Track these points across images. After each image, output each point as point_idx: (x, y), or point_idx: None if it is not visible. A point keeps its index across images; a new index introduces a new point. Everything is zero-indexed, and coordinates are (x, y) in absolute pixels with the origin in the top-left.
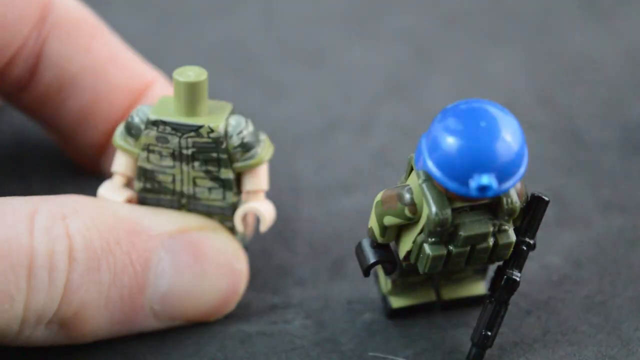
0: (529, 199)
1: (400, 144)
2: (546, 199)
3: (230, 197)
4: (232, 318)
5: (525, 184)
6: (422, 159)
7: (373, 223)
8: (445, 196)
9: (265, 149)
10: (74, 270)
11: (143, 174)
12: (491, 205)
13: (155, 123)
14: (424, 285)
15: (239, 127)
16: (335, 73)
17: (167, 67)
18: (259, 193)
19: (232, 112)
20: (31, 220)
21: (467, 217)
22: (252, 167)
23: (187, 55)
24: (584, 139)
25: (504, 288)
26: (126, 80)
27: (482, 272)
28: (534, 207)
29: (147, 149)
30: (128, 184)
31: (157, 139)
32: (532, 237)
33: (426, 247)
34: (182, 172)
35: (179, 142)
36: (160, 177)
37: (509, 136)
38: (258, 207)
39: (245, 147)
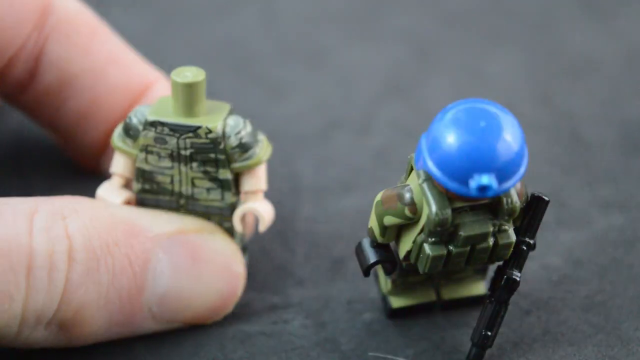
0: (529, 199)
1: (400, 144)
2: (546, 199)
3: (229, 197)
4: (232, 318)
5: (525, 184)
6: (422, 159)
7: (373, 223)
8: (445, 196)
9: (263, 149)
10: (73, 270)
11: (141, 174)
12: (491, 205)
13: (153, 124)
14: (424, 285)
15: (237, 128)
16: (335, 73)
17: (166, 67)
18: (258, 193)
19: (231, 113)
20: (30, 220)
21: (467, 217)
22: (250, 168)
23: (187, 55)
24: (583, 139)
25: (504, 288)
26: (126, 80)
27: (482, 272)
28: (534, 207)
29: (146, 149)
30: (127, 185)
31: (155, 139)
32: (532, 237)
33: (426, 247)
34: (180, 172)
35: (177, 143)
36: (159, 178)
37: (509, 136)
38: (257, 208)
39: (244, 148)
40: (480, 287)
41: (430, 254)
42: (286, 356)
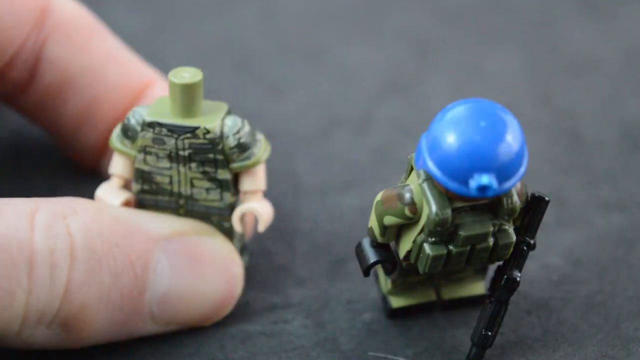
0: (529, 198)
1: (400, 143)
2: (546, 198)
3: (228, 197)
4: (232, 318)
5: (525, 184)
6: (422, 159)
7: (373, 223)
8: (445, 196)
9: (262, 149)
10: (75, 269)
11: (140, 175)
12: (491, 205)
13: (151, 125)
14: (424, 285)
15: (235, 128)
16: (335, 71)
17: (166, 66)
18: (257, 193)
19: (229, 113)
20: (32, 218)
21: (467, 216)
22: (249, 168)
23: (186, 54)
24: (583, 138)
25: (504, 288)
26: (125, 80)
27: (482, 272)
28: (534, 207)
29: (144, 150)
30: (126, 186)
31: (154, 140)
32: (532, 237)
33: (426, 246)
34: (179, 173)
35: (176, 144)
36: (158, 179)
37: (509, 136)
38: (256, 207)
39: (242, 148)
40: (480, 287)
41: (430, 253)
42: (286, 356)
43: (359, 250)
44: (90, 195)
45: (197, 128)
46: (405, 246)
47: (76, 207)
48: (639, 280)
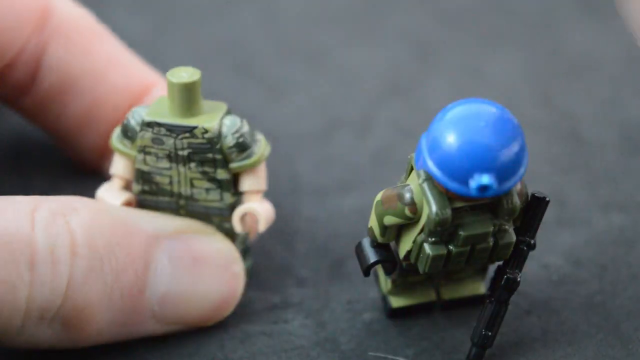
0: (529, 198)
1: (400, 143)
2: (546, 199)
3: (228, 197)
4: (232, 317)
5: (525, 184)
6: (422, 159)
7: (373, 223)
8: (445, 196)
9: (261, 149)
10: (76, 266)
11: (141, 176)
12: (491, 205)
13: (150, 124)
14: (424, 285)
15: (233, 127)
16: (335, 73)
17: (166, 68)
18: (257, 193)
19: (228, 112)
20: (32, 215)
21: (467, 216)
22: (248, 167)
23: (187, 55)
24: (583, 139)
25: (504, 288)
26: (126, 83)
27: (482, 272)
28: (534, 207)
29: (144, 150)
30: (127, 187)
31: (153, 140)
32: (532, 236)
33: (426, 246)
34: (179, 173)
35: (175, 144)
36: (158, 179)
37: (509, 136)
38: (255, 208)
39: (241, 147)
40: (480, 287)
41: (431, 253)
42: (286, 356)
43: (359, 250)
44: (90, 195)
45: (195, 127)
46: (405, 246)
47: (77, 205)
48: (639, 280)
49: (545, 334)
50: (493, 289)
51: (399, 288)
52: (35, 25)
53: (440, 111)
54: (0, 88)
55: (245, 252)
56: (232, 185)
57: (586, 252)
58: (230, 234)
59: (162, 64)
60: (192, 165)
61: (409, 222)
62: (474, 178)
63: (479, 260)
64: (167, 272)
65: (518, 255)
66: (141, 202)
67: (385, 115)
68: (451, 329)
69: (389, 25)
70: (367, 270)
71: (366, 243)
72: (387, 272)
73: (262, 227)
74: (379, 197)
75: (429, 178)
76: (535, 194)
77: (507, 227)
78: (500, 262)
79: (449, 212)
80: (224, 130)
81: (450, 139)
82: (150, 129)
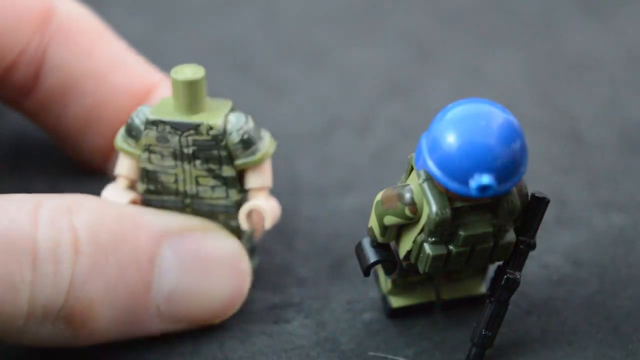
0: (529, 198)
1: (400, 143)
2: (546, 199)
3: (234, 195)
4: (232, 317)
5: (525, 183)
6: (422, 159)
7: (373, 223)
8: (445, 196)
9: (267, 146)
10: (79, 263)
11: (146, 175)
12: (491, 205)
13: (155, 123)
14: (424, 285)
15: (238, 124)
16: (336, 73)
17: (166, 67)
18: (263, 190)
19: (232, 109)
20: (35, 213)
21: (467, 216)
22: (254, 164)
23: (187, 55)
24: (583, 139)
25: (504, 288)
26: (130, 83)
27: (482, 272)
28: (534, 207)
29: (148, 149)
30: (132, 187)
31: (157, 139)
32: (532, 236)
33: (426, 246)
34: (184, 171)
35: (179, 141)
36: (163, 178)
37: (510, 136)
38: (261, 205)
39: (246, 144)
40: (480, 287)
41: (431, 253)
42: (286, 356)
43: (359, 250)
44: (91, 194)
45: (200, 124)
46: (405, 246)
47: (81, 202)
48: (639, 280)
49: (545, 334)
50: (493, 289)
51: (399, 288)
52: (37, 26)
53: (440, 111)
54: (2, 89)
55: (251, 250)
56: (238, 182)
57: (586, 252)
58: (237, 232)
59: (162, 64)
60: (197, 162)
61: (409, 222)
62: (474, 178)
63: (479, 260)
64: (173, 270)
65: (518, 255)
66: (146, 202)
67: (385, 115)
68: (451, 329)
69: (389, 25)
70: (367, 270)
71: (366, 243)
72: (387, 272)
73: (268, 224)
74: (379, 197)
75: (429, 178)
76: (536, 194)
77: (507, 227)
78: (500, 262)
79: (449, 212)
80: (229, 127)
81: (451, 139)
82: (154, 127)
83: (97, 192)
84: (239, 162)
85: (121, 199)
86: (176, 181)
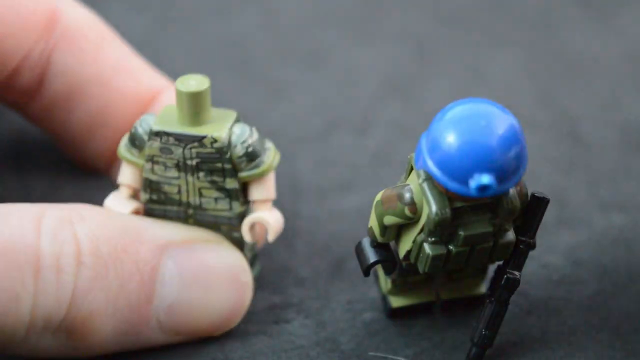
0: (529, 198)
1: (400, 144)
2: (546, 198)
3: (237, 207)
4: None
5: (525, 183)
6: (422, 159)
7: (373, 222)
8: (445, 196)
9: (271, 158)
10: (81, 274)
11: (148, 185)
12: (491, 205)
13: (158, 134)
14: (424, 285)
15: (243, 137)
16: (335, 73)
17: (166, 68)
18: (267, 202)
19: (237, 120)
20: (38, 223)
21: (467, 216)
22: (258, 177)
23: (187, 55)
24: (584, 139)
25: (504, 288)
26: (134, 89)
27: (482, 272)
28: (534, 207)
29: (152, 160)
30: (134, 196)
31: (161, 150)
32: (532, 236)
33: (426, 246)
34: (187, 182)
35: (183, 153)
36: (166, 188)
37: (509, 136)
38: (264, 217)
39: (250, 157)
40: (480, 287)
41: (430, 253)
42: (286, 356)
43: (359, 250)
44: (90, 194)
45: (204, 137)
46: (405, 246)
47: (83, 213)
48: (639, 280)
49: (545, 334)
50: (493, 289)
51: (398, 288)
52: (41, 30)
53: (440, 111)
54: (6, 93)
55: (253, 258)
56: (241, 194)
57: (586, 252)
58: (239, 243)
59: (162, 64)
60: (201, 174)
61: (408, 222)
62: (473, 178)
63: (479, 260)
64: (175, 282)
65: (518, 255)
66: (149, 211)
67: (385, 115)
68: (451, 329)
69: (389, 25)
70: (367, 270)
71: (366, 243)
72: (387, 272)
73: (271, 237)
74: (379, 197)
75: (429, 178)
76: (535, 194)
77: (507, 226)
78: (500, 262)
79: (448, 212)
80: (234, 139)
81: (450, 139)
82: (158, 139)
83: (97, 193)
84: (242, 174)
85: (124, 209)
86: (179, 192)
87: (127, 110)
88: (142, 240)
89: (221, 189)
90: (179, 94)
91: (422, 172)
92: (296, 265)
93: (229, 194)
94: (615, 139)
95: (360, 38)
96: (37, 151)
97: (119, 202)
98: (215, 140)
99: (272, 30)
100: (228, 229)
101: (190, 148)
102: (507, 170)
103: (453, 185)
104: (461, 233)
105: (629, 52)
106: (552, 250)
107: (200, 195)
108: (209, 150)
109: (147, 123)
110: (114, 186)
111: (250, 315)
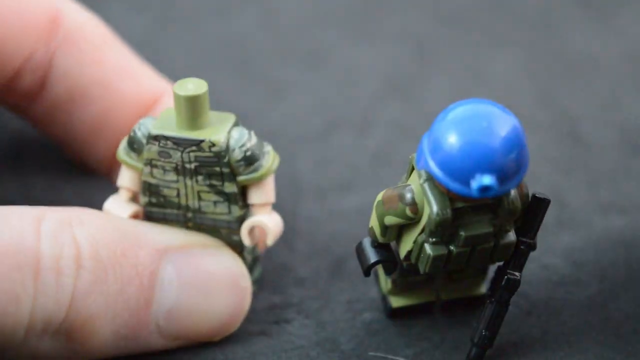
0: (529, 199)
1: (400, 144)
2: (547, 199)
3: (236, 210)
4: None
5: (525, 184)
6: (424, 159)
7: (374, 223)
8: (446, 196)
9: (270, 161)
10: (81, 277)
11: (148, 188)
12: (492, 206)
13: (157, 138)
14: (424, 285)
15: (241, 140)
16: (335, 73)
17: (166, 68)
18: (266, 206)
19: (236, 124)
20: (38, 225)
21: (468, 217)
22: (256, 180)
23: (187, 55)
24: (584, 139)
25: (504, 288)
26: (136, 92)
27: (482, 272)
28: (535, 208)
29: (150, 163)
30: (134, 199)
31: (160, 153)
32: (533, 237)
33: (427, 247)
34: (186, 186)
35: (182, 157)
36: (165, 192)
37: (511, 136)
38: (263, 221)
39: (248, 161)
40: (480, 287)
41: (431, 254)
42: (286, 356)
43: (360, 250)
44: (90, 195)
45: (202, 141)
46: (406, 246)
47: (82, 216)
48: (639, 281)
49: (545, 335)
50: (493, 290)
51: (399, 288)
52: (43, 33)
53: (441, 111)
54: (8, 96)
55: (254, 261)
56: (240, 198)
57: (586, 253)
58: (239, 246)
59: (162, 64)
60: (200, 178)
61: (409, 222)
62: (475, 178)
63: (480, 260)
64: (174, 287)
65: (519, 256)
66: (148, 214)
67: (385, 115)
68: (451, 329)
69: (389, 25)
70: (367, 270)
71: (367, 243)
72: (388, 272)
73: (270, 241)
74: (379, 197)
75: (430, 178)
76: (536, 195)
77: (507, 227)
78: (501, 263)
79: (449, 212)
80: (232, 143)
81: (452, 140)
82: (156, 142)
83: (97, 194)
84: (241, 178)
85: (123, 212)
86: (178, 195)
87: (128, 113)
88: (141, 245)
89: (220, 192)
90: (177, 97)
91: (423, 173)
92: (296, 265)
93: (228, 198)
94: (615, 139)
95: (360, 38)
96: (37, 151)
97: (119, 205)
98: (213, 144)
99: (272, 30)
100: (227, 233)
101: (189, 152)
102: (509, 171)
103: (454, 186)
104: (462, 233)
105: (629, 52)
106: (552, 251)
107: (199, 198)
108: (207, 154)
109: (145, 127)
110: (113, 187)
111: (250, 315)
